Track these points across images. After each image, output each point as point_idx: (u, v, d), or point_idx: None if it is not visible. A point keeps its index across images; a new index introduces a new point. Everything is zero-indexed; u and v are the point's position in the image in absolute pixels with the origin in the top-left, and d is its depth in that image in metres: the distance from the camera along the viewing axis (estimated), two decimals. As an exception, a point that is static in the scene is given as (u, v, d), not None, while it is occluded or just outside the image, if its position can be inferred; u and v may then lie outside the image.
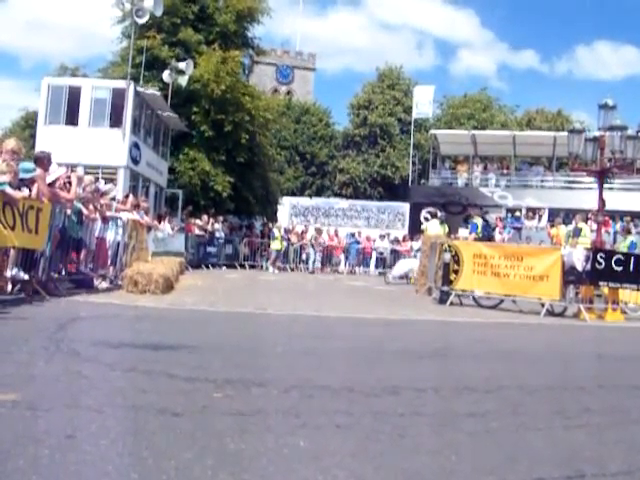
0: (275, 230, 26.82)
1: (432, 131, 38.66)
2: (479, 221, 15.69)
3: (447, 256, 13.32)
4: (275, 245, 25.99)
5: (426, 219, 30.53)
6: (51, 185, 9.79)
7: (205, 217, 25.55)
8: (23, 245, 8.87)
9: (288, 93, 72.47)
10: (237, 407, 3.93)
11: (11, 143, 9.22)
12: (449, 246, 13.57)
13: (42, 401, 3.74)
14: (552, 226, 23.46)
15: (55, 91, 22.86)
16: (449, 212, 26.66)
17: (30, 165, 9.73)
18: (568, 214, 25.61)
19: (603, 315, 12.33)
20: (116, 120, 22.67)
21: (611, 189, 26.02)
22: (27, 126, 39.60)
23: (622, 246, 15.93)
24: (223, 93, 27.94)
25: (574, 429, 4.02)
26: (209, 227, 25.13)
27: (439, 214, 20.19)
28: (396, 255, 28.05)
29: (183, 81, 27.00)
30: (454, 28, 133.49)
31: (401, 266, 21.24)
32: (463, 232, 16.94)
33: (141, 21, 24.72)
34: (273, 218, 33.27)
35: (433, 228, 18.04)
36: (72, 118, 22.54)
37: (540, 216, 29.54)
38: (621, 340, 10.22)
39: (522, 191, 32.60)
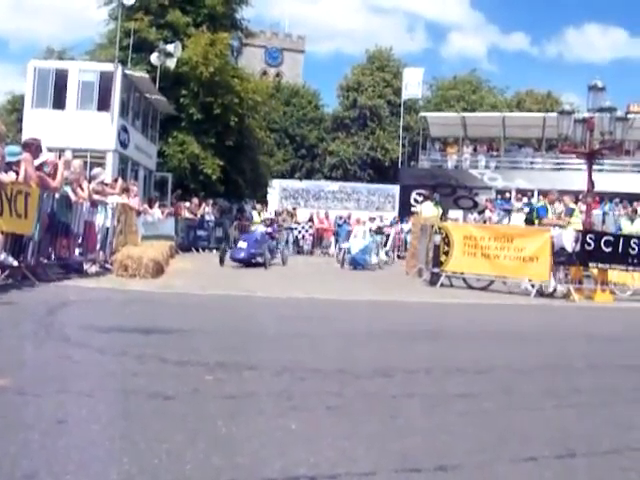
0: (254, 213, 26.55)
1: (422, 113, 38.65)
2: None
3: (437, 238, 13.33)
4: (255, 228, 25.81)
5: (416, 201, 30.58)
6: (38, 169, 9.69)
7: (195, 200, 25.45)
8: (11, 230, 8.78)
9: (277, 75, 72.08)
10: (229, 390, 3.93)
11: None
12: (439, 228, 13.58)
13: (32, 386, 3.73)
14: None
15: (42, 74, 22.67)
16: (439, 194, 26.65)
17: (16, 148, 9.64)
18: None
19: (592, 296, 12.39)
20: (104, 103, 22.50)
21: (600, 170, 26.07)
22: (13, 110, 39.11)
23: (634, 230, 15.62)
24: (212, 76, 27.77)
25: (565, 409, 4.05)
26: (200, 211, 25.04)
27: (434, 195, 20.09)
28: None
29: (171, 64, 26.79)
30: (445, 10, 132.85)
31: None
32: (454, 213, 16.92)
33: (128, 3, 24.53)
34: (263, 201, 33.18)
35: (427, 210, 17.95)
36: (59, 102, 22.37)
37: (529, 198, 29.58)
38: (610, 320, 10.28)
39: (512, 173, 32.68)
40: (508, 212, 21.91)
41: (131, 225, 14.42)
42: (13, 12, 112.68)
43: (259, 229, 17.87)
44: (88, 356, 4.73)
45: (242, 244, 16.56)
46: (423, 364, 5.15)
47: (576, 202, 17.64)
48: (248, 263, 16.02)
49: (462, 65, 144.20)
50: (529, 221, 14.22)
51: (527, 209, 16.49)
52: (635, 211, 19.70)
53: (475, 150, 34.74)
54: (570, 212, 14.85)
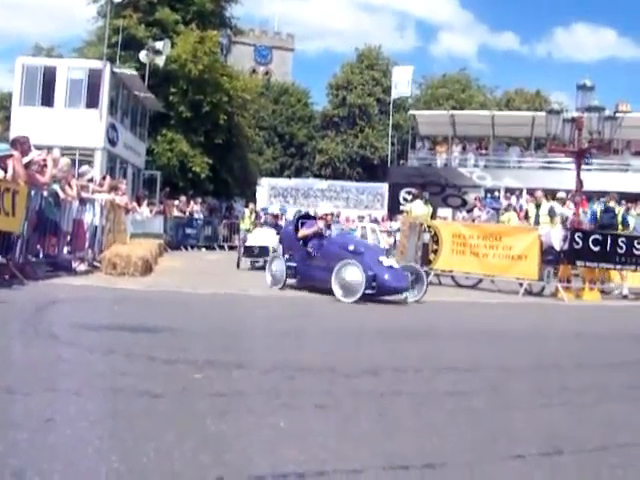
0: (246, 210, 26.48)
1: (411, 111, 38.62)
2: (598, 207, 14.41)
3: (426, 236, 13.35)
4: (244, 226, 25.75)
5: (405, 200, 30.61)
6: (26, 167, 9.64)
7: (183, 198, 25.37)
8: (-1, 228, 8.74)
9: (266, 74, 71.88)
10: (217, 388, 3.92)
11: None
12: (428, 226, 13.60)
13: (21, 385, 3.71)
14: (505, 211, 19.99)
15: (30, 71, 22.57)
16: (428, 192, 26.66)
17: (4, 145, 9.59)
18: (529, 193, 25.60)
19: (580, 294, 12.45)
20: (92, 101, 22.43)
21: (589, 170, 26.16)
22: (1, 107, 38.93)
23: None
24: (201, 73, 27.73)
25: (553, 407, 4.06)
26: (188, 209, 24.98)
27: (423, 194, 20.03)
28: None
29: (160, 61, 26.70)
30: (434, 9, 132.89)
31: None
32: (443, 212, 16.81)
33: (117, 0, 24.41)
34: (252, 199, 33.17)
35: (418, 208, 17.91)
36: (48, 99, 22.28)
37: (518, 197, 29.65)
38: (598, 319, 10.32)
39: (500, 171, 32.71)
40: (497, 210, 21.86)
41: (120, 223, 14.36)
42: (0, 9, 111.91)
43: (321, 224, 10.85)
44: (76, 354, 4.71)
45: (388, 260, 10.00)
46: (412, 362, 5.16)
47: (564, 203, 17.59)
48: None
49: (452, 64, 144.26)
50: (610, 227, 13.26)
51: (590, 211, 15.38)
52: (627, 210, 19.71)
53: (464, 149, 34.76)
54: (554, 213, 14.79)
